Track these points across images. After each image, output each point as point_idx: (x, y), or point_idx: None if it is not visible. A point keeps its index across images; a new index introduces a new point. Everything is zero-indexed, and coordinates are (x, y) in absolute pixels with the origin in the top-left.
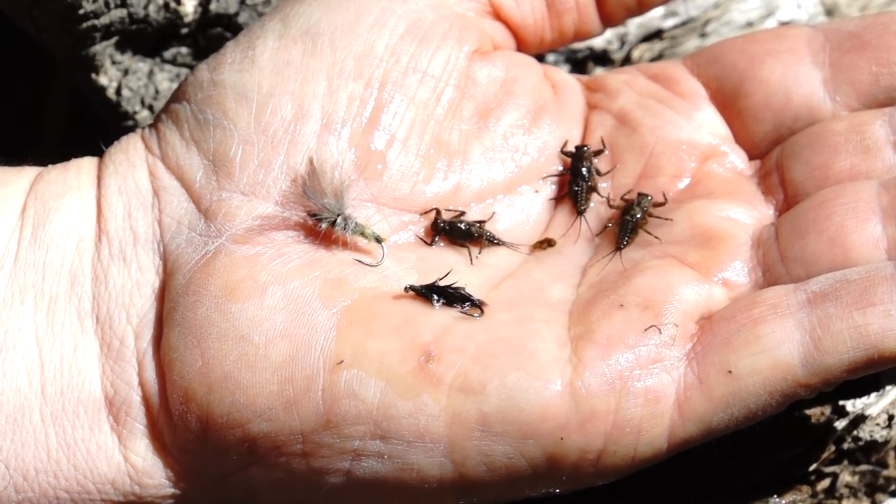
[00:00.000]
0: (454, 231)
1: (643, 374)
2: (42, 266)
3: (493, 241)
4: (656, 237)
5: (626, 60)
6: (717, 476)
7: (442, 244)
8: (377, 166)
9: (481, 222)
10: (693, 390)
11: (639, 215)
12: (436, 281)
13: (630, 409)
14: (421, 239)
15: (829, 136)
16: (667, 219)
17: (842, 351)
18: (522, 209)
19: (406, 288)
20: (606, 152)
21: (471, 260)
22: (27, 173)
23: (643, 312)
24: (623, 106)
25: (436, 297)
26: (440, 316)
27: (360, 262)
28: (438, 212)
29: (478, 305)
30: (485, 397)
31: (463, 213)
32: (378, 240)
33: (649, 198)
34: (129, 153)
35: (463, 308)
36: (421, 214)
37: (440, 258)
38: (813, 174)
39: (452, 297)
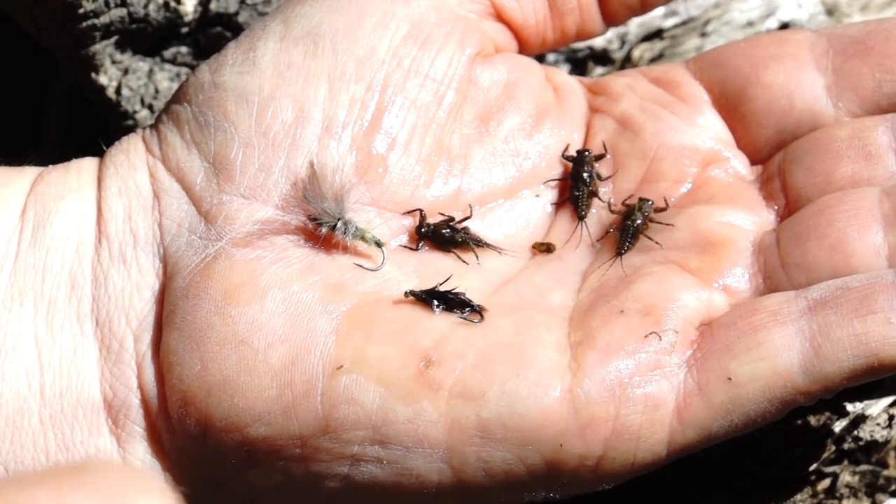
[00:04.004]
0: (437, 236)
1: (643, 381)
2: (42, 268)
3: (479, 244)
4: (657, 242)
5: (627, 60)
6: (718, 477)
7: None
8: (378, 170)
9: (466, 227)
10: (693, 397)
11: (640, 220)
12: (436, 286)
13: (630, 415)
14: (405, 246)
15: (832, 143)
16: (668, 224)
17: (842, 358)
18: (523, 214)
19: (406, 293)
20: (608, 157)
21: (465, 263)
22: (28, 174)
23: (643, 318)
24: (625, 110)
25: (436, 302)
26: (440, 321)
27: (360, 266)
28: (423, 214)
29: (478, 311)
30: (484, 403)
31: (451, 219)
32: (378, 244)
33: (650, 203)
34: (130, 154)
35: (463, 313)
36: (402, 214)
37: (440, 262)
38: (814, 180)
39: (452, 302)
